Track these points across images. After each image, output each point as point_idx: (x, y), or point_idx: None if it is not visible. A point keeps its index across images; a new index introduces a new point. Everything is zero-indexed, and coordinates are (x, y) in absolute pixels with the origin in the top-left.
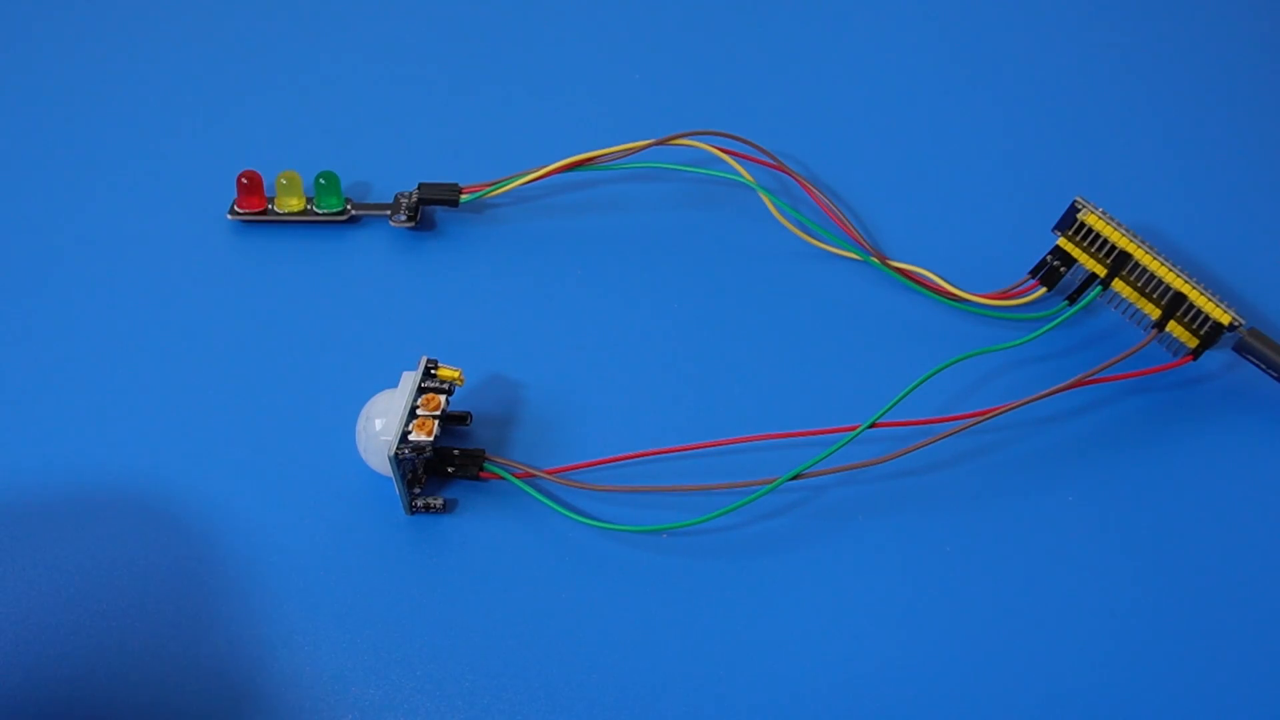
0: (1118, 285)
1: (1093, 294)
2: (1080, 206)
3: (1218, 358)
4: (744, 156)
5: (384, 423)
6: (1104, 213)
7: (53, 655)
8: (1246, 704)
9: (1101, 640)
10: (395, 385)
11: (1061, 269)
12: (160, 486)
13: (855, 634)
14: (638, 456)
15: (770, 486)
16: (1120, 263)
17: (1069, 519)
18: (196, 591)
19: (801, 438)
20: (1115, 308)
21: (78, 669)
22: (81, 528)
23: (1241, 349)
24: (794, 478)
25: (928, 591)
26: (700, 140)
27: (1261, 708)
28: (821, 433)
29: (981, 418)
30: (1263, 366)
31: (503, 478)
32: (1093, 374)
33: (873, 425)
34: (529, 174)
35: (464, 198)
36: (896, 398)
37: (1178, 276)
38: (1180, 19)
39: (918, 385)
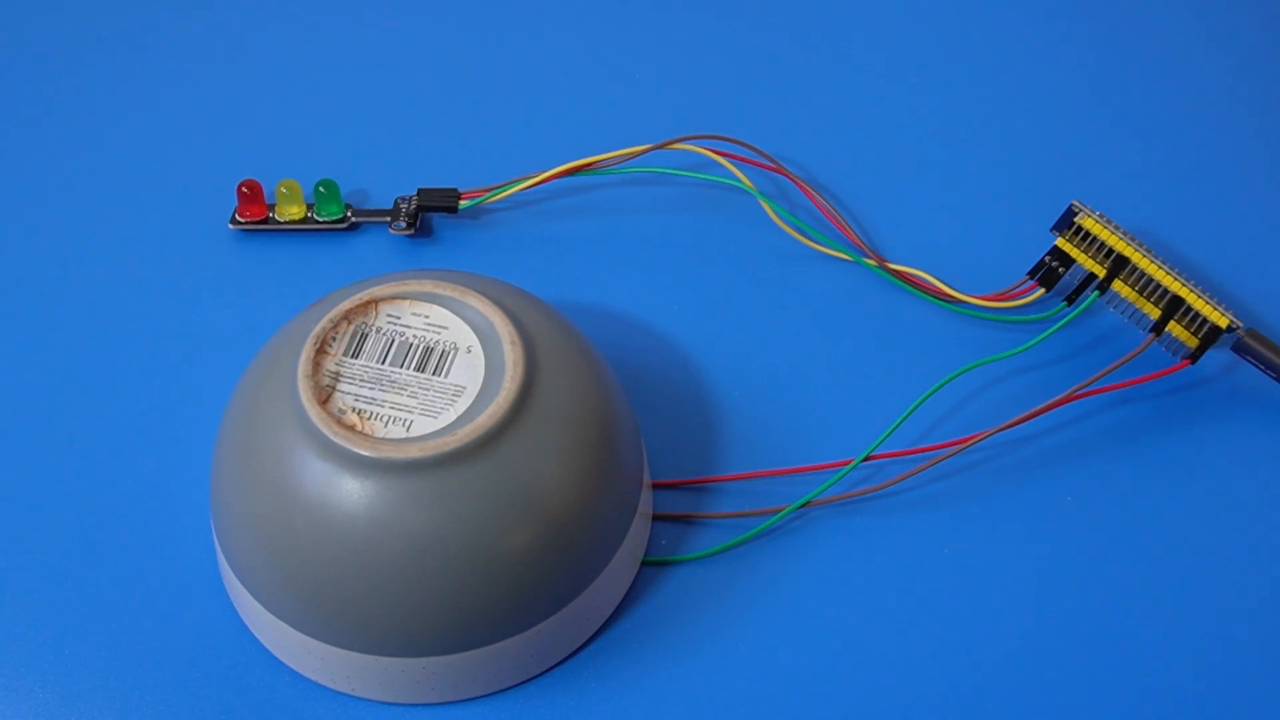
0: (1117, 286)
1: (1091, 297)
2: (1077, 210)
3: (1217, 360)
4: (742, 160)
5: None
6: (1101, 216)
7: None
8: (1248, 704)
9: (1101, 641)
10: None
11: (1060, 270)
12: (166, 499)
13: (850, 640)
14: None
15: (771, 521)
16: (1119, 265)
17: (1068, 521)
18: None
19: (797, 474)
20: (1115, 309)
21: None
22: (92, 530)
23: (1240, 350)
24: (801, 506)
25: (926, 594)
26: (698, 144)
27: (1264, 708)
28: (817, 468)
29: (976, 439)
30: (1262, 367)
31: None
32: (1090, 383)
33: (868, 458)
34: (527, 179)
35: (462, 203)
36: (893, 425)
37: (1175, 280)
38: (1177, 22)
39: (914, 409)
